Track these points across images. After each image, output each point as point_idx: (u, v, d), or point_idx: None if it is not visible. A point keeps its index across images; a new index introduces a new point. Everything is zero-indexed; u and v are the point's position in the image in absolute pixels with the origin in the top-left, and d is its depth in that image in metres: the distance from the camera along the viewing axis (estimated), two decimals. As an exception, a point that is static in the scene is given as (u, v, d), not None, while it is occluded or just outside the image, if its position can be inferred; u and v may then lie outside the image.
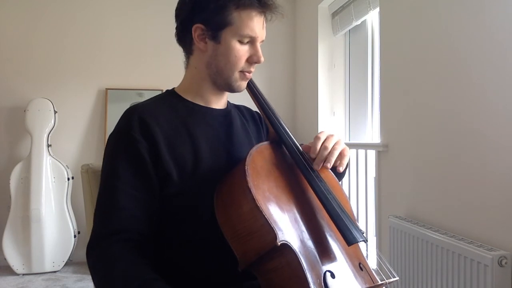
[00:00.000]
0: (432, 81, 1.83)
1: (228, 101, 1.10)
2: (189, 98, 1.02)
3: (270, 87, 3.65)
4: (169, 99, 1.01)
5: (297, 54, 3.72)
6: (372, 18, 2.68)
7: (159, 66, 3.50)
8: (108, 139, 0.95)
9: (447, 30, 1.74)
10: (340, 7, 2.95)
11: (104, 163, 0.93)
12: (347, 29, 2.95)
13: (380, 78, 2.28)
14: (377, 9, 2.39)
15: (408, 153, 2.01)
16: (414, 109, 1.96)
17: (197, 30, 0.96)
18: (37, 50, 3.40)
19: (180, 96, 1.02)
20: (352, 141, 2.91)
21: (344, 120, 3.15)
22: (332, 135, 0.97)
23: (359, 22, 2.75)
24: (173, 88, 1.05)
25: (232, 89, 1.00)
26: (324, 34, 3.16)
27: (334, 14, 3.09)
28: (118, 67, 3.50)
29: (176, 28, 1.01)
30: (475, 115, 1.58)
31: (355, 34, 2.99)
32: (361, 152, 2.55)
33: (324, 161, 0.94)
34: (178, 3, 1.00)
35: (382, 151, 2.22)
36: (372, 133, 2.72)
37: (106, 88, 3.48)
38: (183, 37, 1.00)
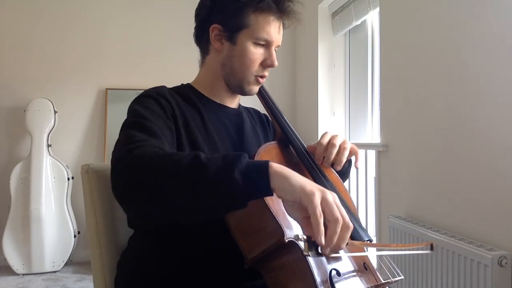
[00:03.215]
0: (432, 81, 1.83)
1: (239, 103, 1.12)
2: (204, 93, 1.04)
3: (270, 87, 3.61)
4: (186, 91, 1.02)
5: (297, 54, 3.72)
6: (372, 18, 2.68)
7: (159, 66, 3.50)
8: (131, 103, 0.94)
9: (447, 30, 1.74)
10: (340, 7, 2.95)
11: (128, 110, 0.92)
12: (347, 29, 2.95)
13: (380, 78, 2.28)
14: (377, 9, 2.39)
15: (408, 153, 2.01)
16: (414, 109, 1.96)
17: (214, 30, 0.98)
18: (37, 50, 3.40)
19: (197, 90, 1.04)
20: (352, 141, 2.90)
21: (344, 120, 3.15)
22: (336, 135, 0.98)
23: (359, 22, 2.75)
24: (189, 83, 1.07)
25: (243, 92, 1.02)
26: (324, 34, 3.16)
27: (334, 14, 3.09)
28: (118, 67, 3.50)
29: (195, 27, 1.03)
30: (475, 115, 1.58)
31: (355, 34, 2.99)
32: (361, 152, 2.54)
33: (335, 162, 0.95)
34: (199, 3, 1.02)
35: (382, 151, 2.22)
36: (372, 133, 2.72)
37: (106, 88, 3.48)
38: (201, 36, 1.02)
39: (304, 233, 0.70)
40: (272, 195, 0.69)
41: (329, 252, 0.68)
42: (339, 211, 0.67)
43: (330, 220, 0.67)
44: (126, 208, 0.75)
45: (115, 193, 0.74)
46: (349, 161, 1.03)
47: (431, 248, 0.86)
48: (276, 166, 0.69)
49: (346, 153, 0.96)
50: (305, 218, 0.68)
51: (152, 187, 0.69)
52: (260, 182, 0.68)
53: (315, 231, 0.66)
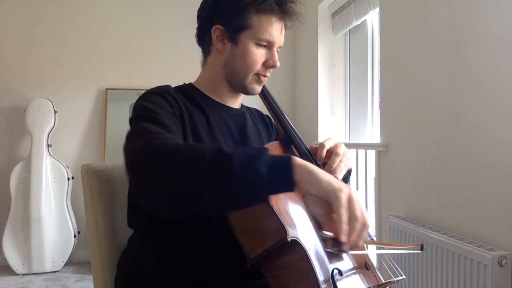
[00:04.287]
0: (432, 80, 1.83)
1: (241, 103, 1.12)
2: (207, 93, 1.04)
3: (270, 87, 3.59)
4: (190, 90, 1.03)
5: (297, 54, 3.72)
6: (372, 18, 2.69)
7: (159, 66, 3.50)
8: (138, 100, 0.93)
9: (447, 30, 1.74)
10: (340, 7, 2.95)
11: (136, 106, 0.91)
12: (347, 29, 2.95)
13: (380, 78, 2.28)
14: (377, 9, 2.39)
15: (408, 153, 2.01)
16: (414, 109, 1.96)
17: (216, 31, 0.98)
18: (37, 50, 3.40)
19: (199, 90, 1.04)
20: (352, 141, 2.91)
21: (344, 120, 3.15)
22: (341, 143, 0.98)
23: (359, 22, 2.75)
24: (191, 83, 1.07)
25: (246, 91, 1.02)
26: (324, 34, 3.17)
27: (334, 14, 3.10)
28: (118, 67, 3.50)
29: (197, 28, 1.04)
30: (475, 114, 1.58)
31: (355, 34, 2.99)
32: (361, 152, 2.55)
33: (334, 171, 0.96)
34: (201, 4, 1.02)
35: (382, 151, 2.22)
36: (372, 133, 2.72)
37: (106, 88, 3.48)
38: (203, 37, 1.03)
39: (326, 229, 0.72)
40: (293, 190, 0.68)
41: (348, 249, 0.69)
42: (361, 209, 0.69)
43: (352, 218, 0.68)
44: (145, 197, 0.73)
45: (137, 183, 0.72)
46: (349, 171, 1.03)
47: (421, 249, 0.88)
48: (299, 160, 0.69)
49: (344, 170, 0.97)
50: (327, 214, 0.69)
51: (176, 177, 0.68)
52: (284, 175, 0.67)
53: (339, 228, 0.67)
